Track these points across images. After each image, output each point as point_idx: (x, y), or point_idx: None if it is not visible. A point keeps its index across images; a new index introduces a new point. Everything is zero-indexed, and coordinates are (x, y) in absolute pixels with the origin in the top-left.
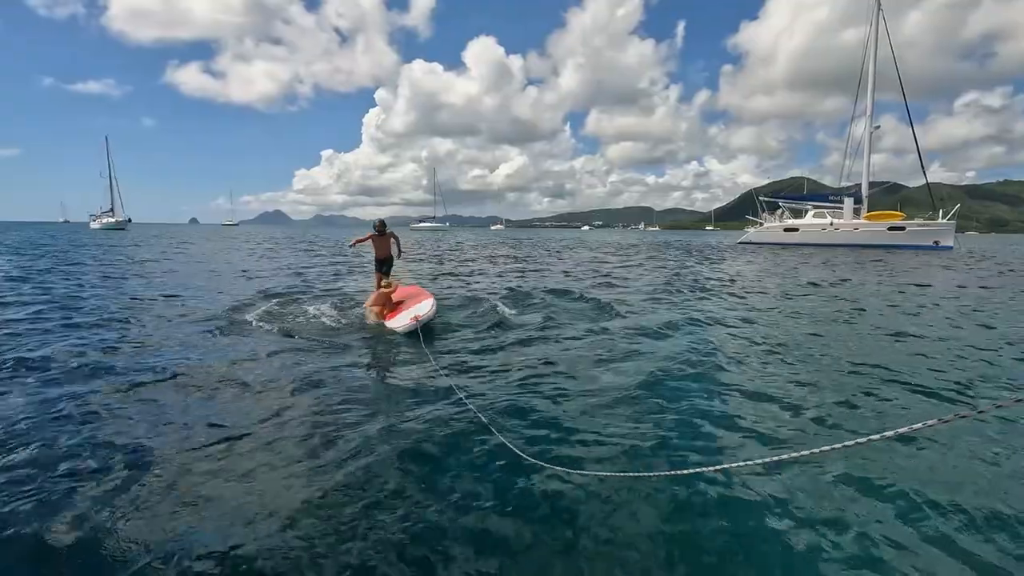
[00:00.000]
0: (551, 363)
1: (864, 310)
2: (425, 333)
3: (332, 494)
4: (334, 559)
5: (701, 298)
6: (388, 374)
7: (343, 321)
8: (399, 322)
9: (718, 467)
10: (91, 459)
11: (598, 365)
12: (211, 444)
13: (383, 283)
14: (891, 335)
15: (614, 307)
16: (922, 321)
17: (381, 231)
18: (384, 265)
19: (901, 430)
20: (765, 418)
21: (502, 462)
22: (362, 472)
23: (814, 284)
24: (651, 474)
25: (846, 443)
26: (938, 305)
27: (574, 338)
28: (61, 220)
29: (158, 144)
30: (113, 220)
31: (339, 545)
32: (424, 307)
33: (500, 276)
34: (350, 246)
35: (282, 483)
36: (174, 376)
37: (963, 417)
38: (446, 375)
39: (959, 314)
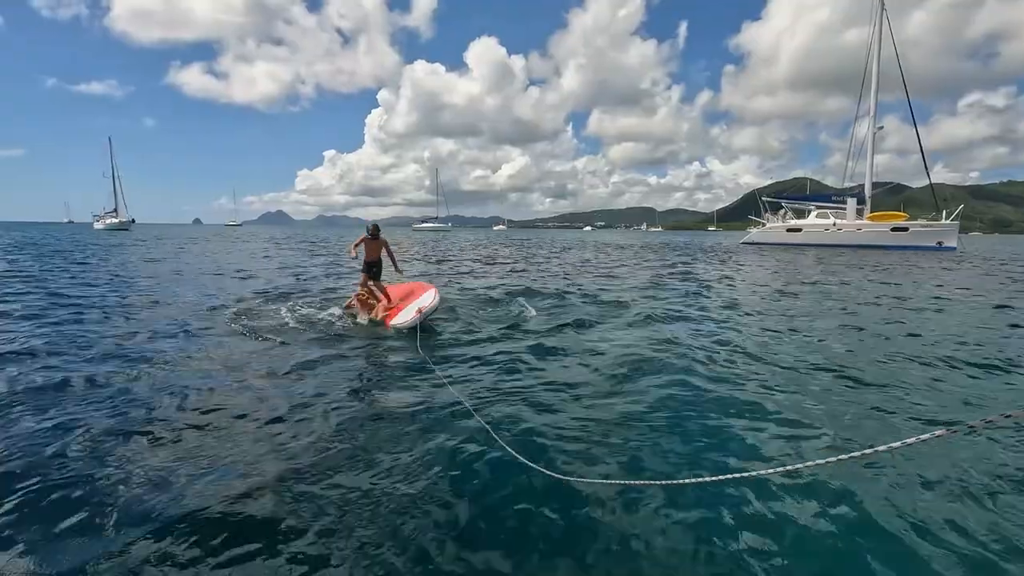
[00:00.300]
0: (550, 364)
1: (856, 313)
2: (420, 331)
3: (315, 479)
4: (314, 546)
5: (700, 299)
6: (380, 368)
7: (337, 320)
8: (403, 318)
9: (705, 479)
10: (84, 436)
11: (592, 367)
12: (191, 435)
13: (369, 284)
14: (883, 340)
15: (613, 308)
16: (913, 325)
17: (374, 235)
18: (373, 268)
19: (894, 445)
20: (750, 428)
21: (496, 463)
22: (346, 462)
23: (811, 283)
24: (642, 482)
25: (840, 457)
26: (923, 309)
27: (572, 339)
28: (66, 220)
29: (161, 145)
30: (117, 221)
31: (321, 537)
32: (427, 298)
33: (500, 276)
34: (350, 255)
35: (269, 483)
36: (170, 367)
37: (954, 432)
38: (439, 372)
39: (949, 317)
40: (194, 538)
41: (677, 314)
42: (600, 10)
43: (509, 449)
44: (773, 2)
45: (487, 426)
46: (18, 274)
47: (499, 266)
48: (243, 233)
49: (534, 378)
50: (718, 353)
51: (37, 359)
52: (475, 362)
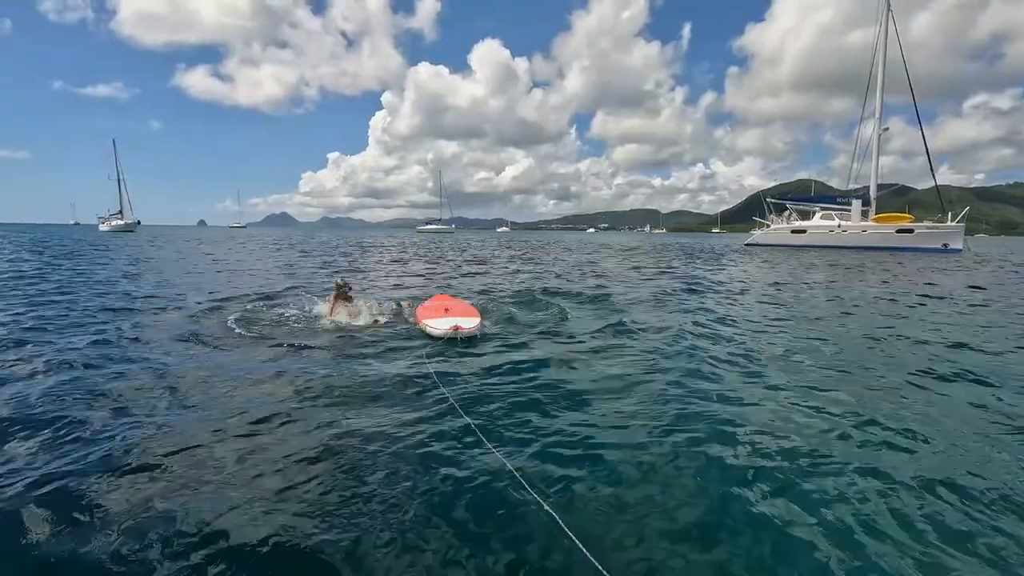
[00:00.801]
0: (556, 370)
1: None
2: (431, 337)
3: (306, 488)
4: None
5: (706, 302)
6: (378, 370)
7: (328, 320)
8: (438, 324)
9: None
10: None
11: (606, 386)
12: (183, 438)
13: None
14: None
15: (616, 309)
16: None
17: (343, 291)
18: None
19: None
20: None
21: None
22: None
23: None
24: None
25: None
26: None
27: (577, 344)
28: (71, 222)
29: (166, 146)
30: (122, 222)
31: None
32: (471, 322)
33: (502, 277)
34: (328, 317)
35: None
36: (167, 373)
37: None
38: (433, 369)
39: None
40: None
41: (680, 319)
42: (603, 12)
43: (505, 463)
44: (777, 3)
45: (468, 417)
46: (33, 273)
47: (502, 267)
48: (246, 235)
49: (533, 388)
50: (736, 369)
51: (29, 347)
52: (477, 368)
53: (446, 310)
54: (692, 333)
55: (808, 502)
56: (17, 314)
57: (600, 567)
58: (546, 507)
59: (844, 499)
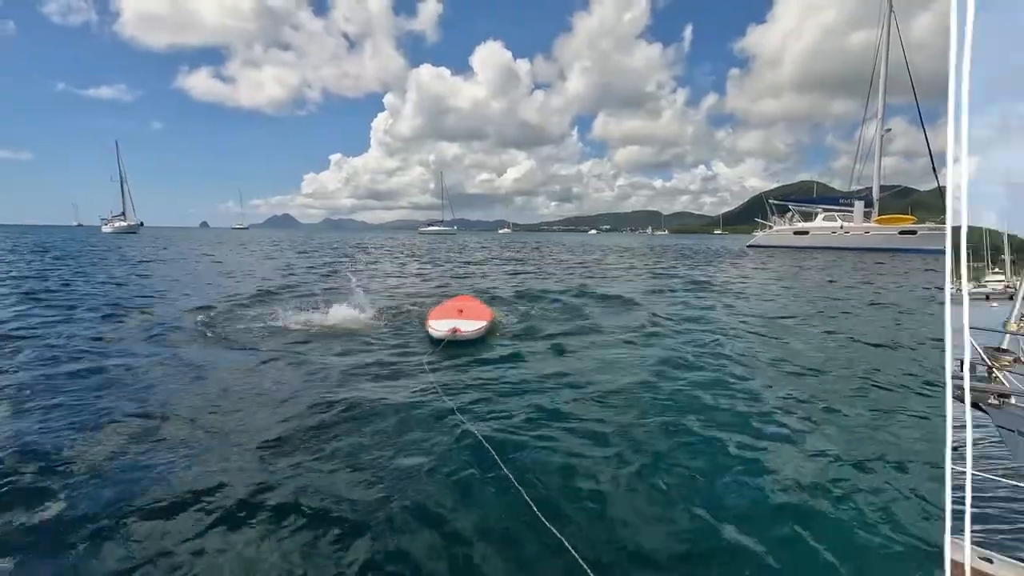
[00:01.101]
0: (545, 364)
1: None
2: (431, 340)
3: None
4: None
5: (707, 302)
6: (375, 369)
7: (331, 321)
8: (438, 326)
9: None
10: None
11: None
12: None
13: None
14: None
15: (610, 309)
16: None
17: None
18: None
19: None
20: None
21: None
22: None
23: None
24: None
25: None
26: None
27: (569, 342)
28: (75, 224)
29: (168, 148)
30: (125, 224)
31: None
32: (472, 325)
33: (501, 277)
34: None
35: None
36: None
37: None
38: (428, 365)
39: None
40: (166, 530)
41: (681, 323)
42: (604, 13)
43: (483, 441)
44: (778, 4)
45: (461, 418)
46: (34, 274)
47: (500, 268)
48: (248, 237)
49: (520, 381)
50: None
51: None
52: (469, 362)
53: (460, 311)
54: (681, 333)
55: (771, 496)
56: (18, 312)
57: (563, 540)
58: (518, 487)
59: (806, 489)
